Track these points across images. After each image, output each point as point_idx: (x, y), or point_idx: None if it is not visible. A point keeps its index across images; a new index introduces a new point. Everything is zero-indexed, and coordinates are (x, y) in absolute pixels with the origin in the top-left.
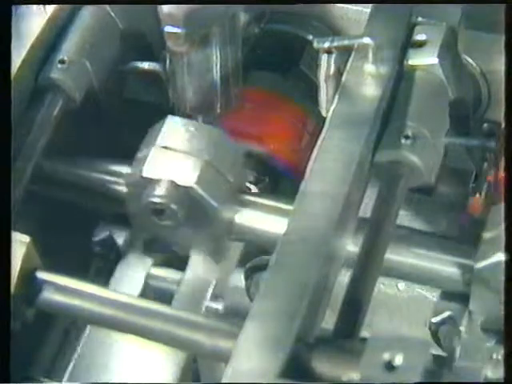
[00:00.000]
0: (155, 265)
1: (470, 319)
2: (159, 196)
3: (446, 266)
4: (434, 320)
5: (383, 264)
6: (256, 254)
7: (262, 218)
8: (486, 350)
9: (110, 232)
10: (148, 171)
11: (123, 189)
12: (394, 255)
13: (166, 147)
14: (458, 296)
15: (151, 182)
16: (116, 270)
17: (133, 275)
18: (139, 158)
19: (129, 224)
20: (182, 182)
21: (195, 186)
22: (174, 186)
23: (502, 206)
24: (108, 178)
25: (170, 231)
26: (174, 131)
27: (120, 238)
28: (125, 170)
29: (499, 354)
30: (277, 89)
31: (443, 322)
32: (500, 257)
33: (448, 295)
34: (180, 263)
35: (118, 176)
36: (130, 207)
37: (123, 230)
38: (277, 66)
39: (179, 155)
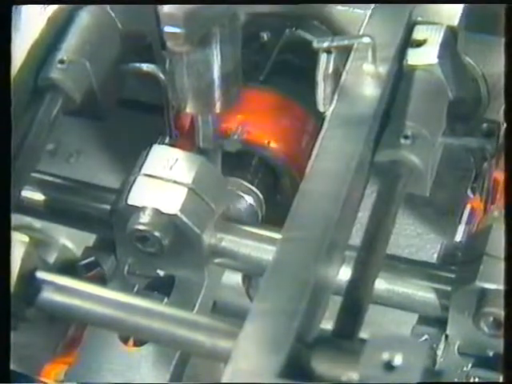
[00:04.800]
0: (139, 290)
1: (447, 343)
2: (144, 223)
3: (423, 292)
4: None
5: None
6: None
7: (245, 245)
8: (463, 374)
9: (95, 256)
10: (133, 199)
11: (108, 215)
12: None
13: (150, 175)
14: (435, 321)
15: (136, 210)
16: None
17: None
18: (125, 185)
19: (114, 249)
20: (166, 210)
21: (179, 214)
22: (158, 213)
23: (481, 235)
24: (94, 204)
25: (154, 257)
26: (159, 159)
27: (105, 263)
28: (111, 196)
29: (475, 378)
30: (283, 90)
31: None
32: (476, 285)
33: (425, 320)
34: (165, 288)
35: (103, 202)
36: (115, 233)
37: (108, 254)
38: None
39: (163, 183)
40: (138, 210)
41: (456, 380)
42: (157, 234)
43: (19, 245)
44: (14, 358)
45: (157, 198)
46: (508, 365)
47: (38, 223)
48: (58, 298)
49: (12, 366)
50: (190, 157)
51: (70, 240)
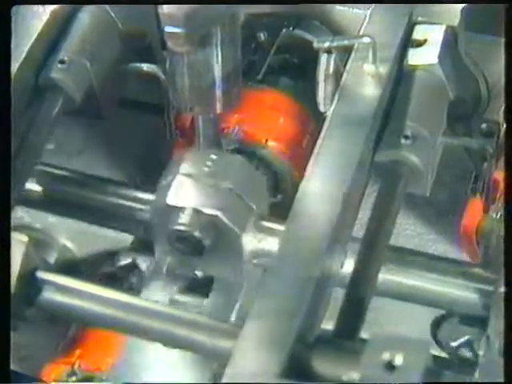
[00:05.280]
0: (179, 290)
1: (487, 343)
2: (183, 224)
3: (466, 292)
4: (453, 344)
5: (383, 266)
6: None
7: None
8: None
9: (133, 258)
10: (172, 199)
11: (147, 215)
12: (414, 281)
13: (189, 175)
14: (477, 320)
15: (175, 210)
16: (140, 296)
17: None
18: (163, 185)
19: (152, 250)
20: (206, 210)
21: (219, 214)
22: (198, 213)
23: None
24: (133, 204)
25: (193, 257)
26: (198, 160)
27: (143, 264)
28: (149, 196)
29: None
30: (281, 90)
31: (461, 345)
32: None
33: (467, 319)
34: (203, 289)
35: (142, 203)
36: (154, 234)
37: (146, 255)
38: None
39: (203, 183)
40: (178, 210)
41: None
42: (197, 234)
43: (19, 245)
44: (14, 358)
45: (196, 199)
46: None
47: (38, 223)
48: (59, 297)
49: (12, 366)
50: (228, 157)
51: (70, 240)
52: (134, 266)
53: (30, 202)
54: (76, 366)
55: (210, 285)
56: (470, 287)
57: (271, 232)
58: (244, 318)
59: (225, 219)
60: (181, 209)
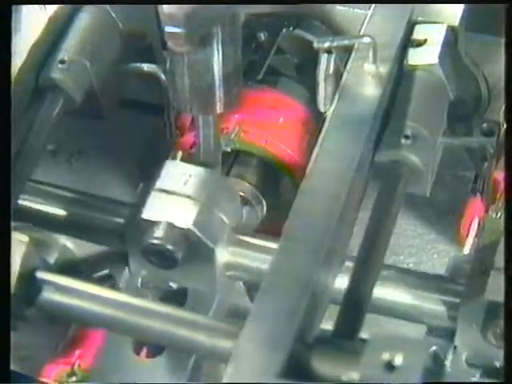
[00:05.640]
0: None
1: (455, 354)
2: (158, 238)
3: (432, 304)
4: None
5: (382, 266)
6: None
7: (258, 258)
8: None
9: (109, 269)
10: (147, 214)
11: (121, 227)
12: (381, 294)
13: (164, 190)
14: (443, 332)
15: (150, 224)
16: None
17: None
18: (138, 200)
19: (127, 262)
20: (180, 224)
21: (192, 228)
22: (171, 228)
23: (489, 248)
24: (108, 218)
25: (167, 270)
26: (173, 175)
27: (119, 276)
28: (125, 210)
29: None
30: (281, 90)
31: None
32: (484, 298)
33: (434, 331)
34: (178, 300)
35: (118, 216)
36: (129, 246)
37: (122, 267)
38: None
39: (177, 198)
40: (153, 224)
41: None
42: (170, 247)
43: (19, 245)
44: (14, 358)
45: (171, 213)
46: (508, 364)
47: None
48: (58, 298)
49: (12, 366)
50: (203, 172)
51: (70, 240)
52: (109, 278)
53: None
54: (76, 366)
55: (184, 297)
56: (437, 299)
57: (244, 245)
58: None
59: (198, 233)
60: (155, 223)
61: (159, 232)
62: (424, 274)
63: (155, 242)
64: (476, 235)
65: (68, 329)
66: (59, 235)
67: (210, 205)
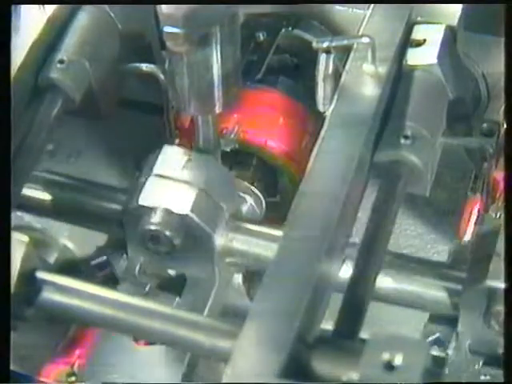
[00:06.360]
0: (152, 288)
1: (457, 341)
2: (155, 223)
3: (434, 291)
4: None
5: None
6: None
7: (256, 244)
8: (474, 371)
9: (107, 256)
10: (144, 199)
11: (120, 214)
12: (383, 281)
13: (161, 176)
14: (446, 319)
15: (147, 210)
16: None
17: None
18: (136, 185)
19: (125, 248)
20: (177, 210)
21: (190, 214)
22: (169, 213)
23: (491, 234)
24: (106, 204)
25: (165, 256)
26: (170, 160)
27: (117, 262)
28: (123, 196)
29: (486, 376)
30: (280, 90)
31: (432, 343)
32: (486, 284)
33: (436, 318)
34: (176, 287)
35: (116, 202)
36: (127, 233)
37: (120, 254)
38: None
39: (175, 184)
40: (150, 210)
41: (464, 380)
42: (168, 233)
43: (19, 245)
44: (14, 358)
45: (168, 199)
46: (508, 365)
47: (38, 223)
48: (58, 298)
49: (12, 366)
50: (201, 157)
51: (70, 240)
52: (107, 264)
53: (26, 206)
54: (76, 366)
55: (183, 283)
56: (439, 286)
57: (242, 231)
58: (215, 316)
59: (196, 219)
60: (152, 209)
61: (156, 218)
62: (426, 260)
63: (152, 227)
64: (476, 223)
65: (68, 329)
66: (59, 236)
67: (208, 191)
